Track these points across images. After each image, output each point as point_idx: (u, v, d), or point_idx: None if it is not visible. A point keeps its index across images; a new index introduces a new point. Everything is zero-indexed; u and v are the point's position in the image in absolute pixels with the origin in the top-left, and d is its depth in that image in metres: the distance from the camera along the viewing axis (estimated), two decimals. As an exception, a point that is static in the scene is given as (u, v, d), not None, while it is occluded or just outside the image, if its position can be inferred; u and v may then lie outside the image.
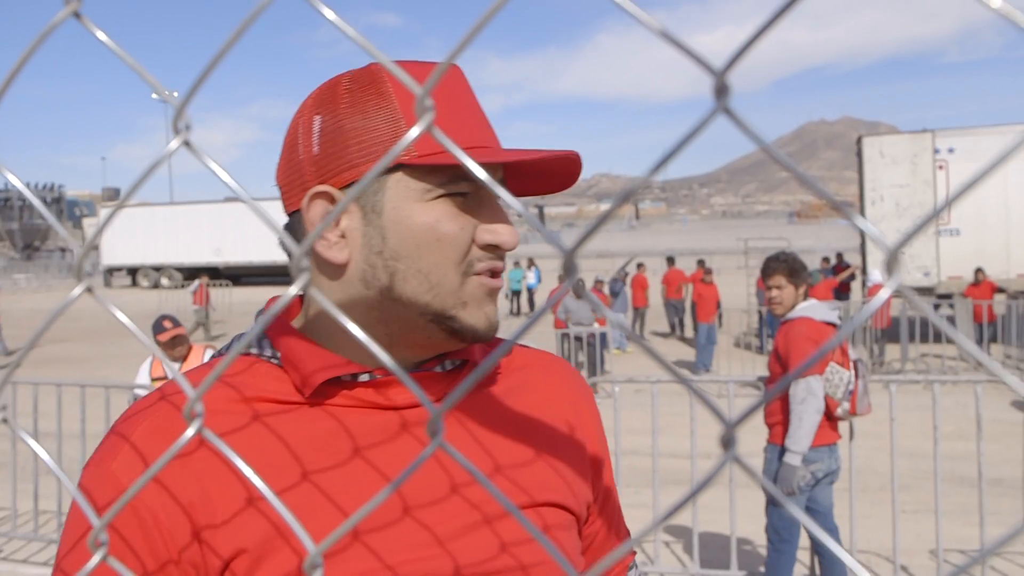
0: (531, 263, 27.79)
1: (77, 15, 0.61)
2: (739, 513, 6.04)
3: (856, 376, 5.05)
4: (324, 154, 1.04)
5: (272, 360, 1.08)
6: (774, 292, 5.26)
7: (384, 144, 1.02)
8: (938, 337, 16.53)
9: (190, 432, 0.60)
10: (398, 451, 1.04)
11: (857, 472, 7.69)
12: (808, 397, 4.95)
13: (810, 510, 5.27)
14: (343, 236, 1.04)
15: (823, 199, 0.37)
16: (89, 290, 0.64)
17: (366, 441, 1.03)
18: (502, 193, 0.49)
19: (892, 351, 16.25)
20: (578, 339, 14.19)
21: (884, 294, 0.36)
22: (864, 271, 18.73)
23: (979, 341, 15.54)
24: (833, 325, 5.13)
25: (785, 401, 5.09)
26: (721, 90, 0.33)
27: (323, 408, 1.04)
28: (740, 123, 0.33)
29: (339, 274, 1.06)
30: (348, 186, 1.03)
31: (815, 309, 5.15)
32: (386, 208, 1.02)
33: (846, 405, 5.02)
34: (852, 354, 5.17)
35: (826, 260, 23.34)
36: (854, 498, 5.73)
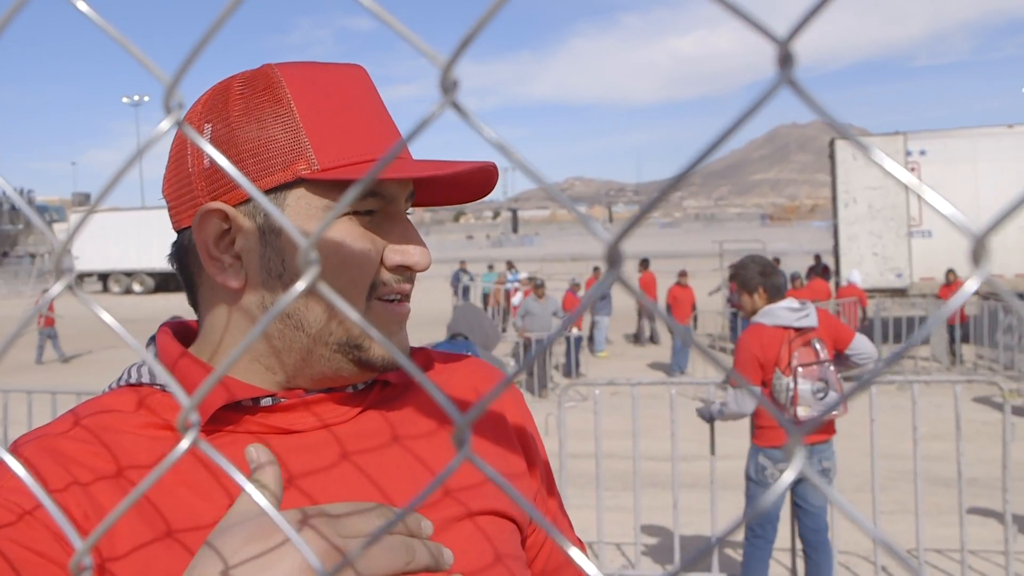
0: (510, 266, 27.76)
1: None
2: (720, 515, 6.04)
3: (796, 381, 5.03)
4: (216, 167, 0.95)
5: (167, 389, 0.98)
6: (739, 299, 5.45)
7: (283, 155, 0.93)
8: (910, 337, 16.60)
9: (185, 444, 0.56)
10: (315, 474, 0.96)
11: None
12: (729, 400, 5.28)
13: (800, 508, 5.34)
14: (238, 258, 0.96)
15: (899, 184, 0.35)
16: (70, 287, 0.62)
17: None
18: (530, 172, 0.46)
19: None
20: (533, 344, 14.10)
21: (972, 286, 0.34)
22: (837, 272, 18.83)
23: (951, 341, 15.65)
24: (791, 328, 5.14)
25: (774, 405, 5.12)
26: (785, 59, 0.31)
27: (219, 436, 0.95)
28: (804, 94, 0.32)
29: (235, 299, 0.98)
30: (244, 203, 0.95)
31: (770, 314, 5.18)
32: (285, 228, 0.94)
33: (791, 411, 5.02)
34: (816, 356, 5.13)
35: (817, 257, 23.43)
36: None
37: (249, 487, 0.59)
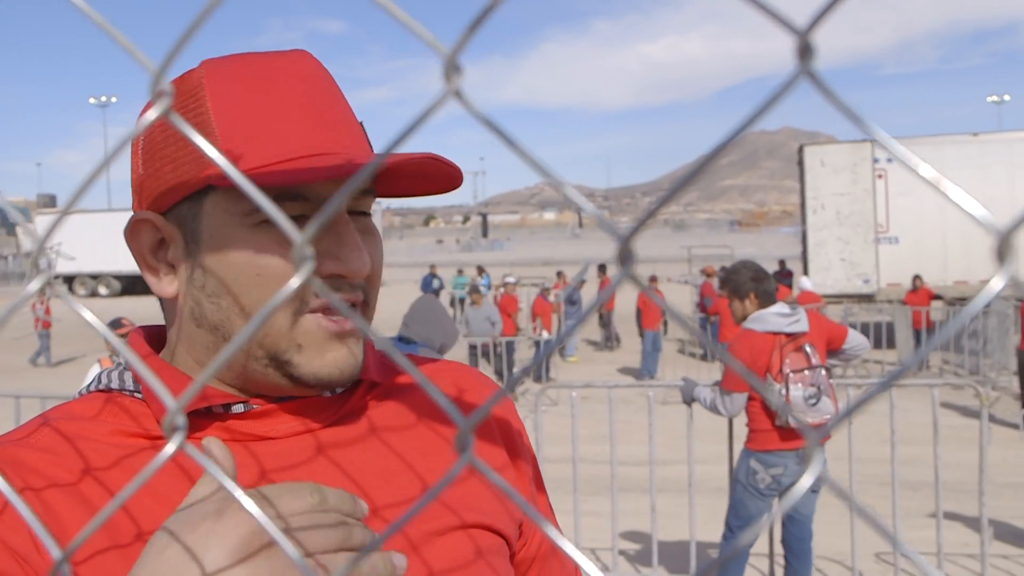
0: (481, 271, 27.76)
1: None
2: (698, 520, 6.05)
3: (787, 388, 5.00)
4: (146, 174, 0.92)
5: (135, 395, 0.95)
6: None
7: (196, 162, 0.88)
8: (878, 343, 16.77)
9: (171, 448, 0.54)
10: (283, 478, 0.91)
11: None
12: (717, 405, 5.19)
13: (788, 516, 5.29)
14: (172, 268, 0.94)
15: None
16: (49, 283, 0.60)
17: (243, 477, 0.90)
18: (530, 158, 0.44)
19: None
20: (476, 348, 14.19)
21: (997, 283, 0.33)
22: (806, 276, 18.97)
23: (916, 347, 15.79)
24: (782, 334, 5.10)
25: (761, 408, 5.13)
26: (804, 51, 0.31)
27: (192, 442, 0.91)
28: (823, 87, 0.31)
29: (175, 308, 0.95)
30: (171, 210, 0.91)
31: (760, 320, 5.14)
32: (203, 237, 0.89)
33: (783, 418, 5.01)
34: (808, 362, 5.10)
35: (782, 263, 23.57)
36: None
37: (229, 484, 0.58)
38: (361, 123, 0.98)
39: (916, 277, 17.24)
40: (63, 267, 38.81)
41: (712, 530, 6.54)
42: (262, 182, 0.83)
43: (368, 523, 0.91)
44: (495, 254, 70.69)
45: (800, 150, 19.16)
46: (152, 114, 0.52)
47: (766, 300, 5.21)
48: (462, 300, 26.50)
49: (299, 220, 0.88)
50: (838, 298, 18.48)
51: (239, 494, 0.58)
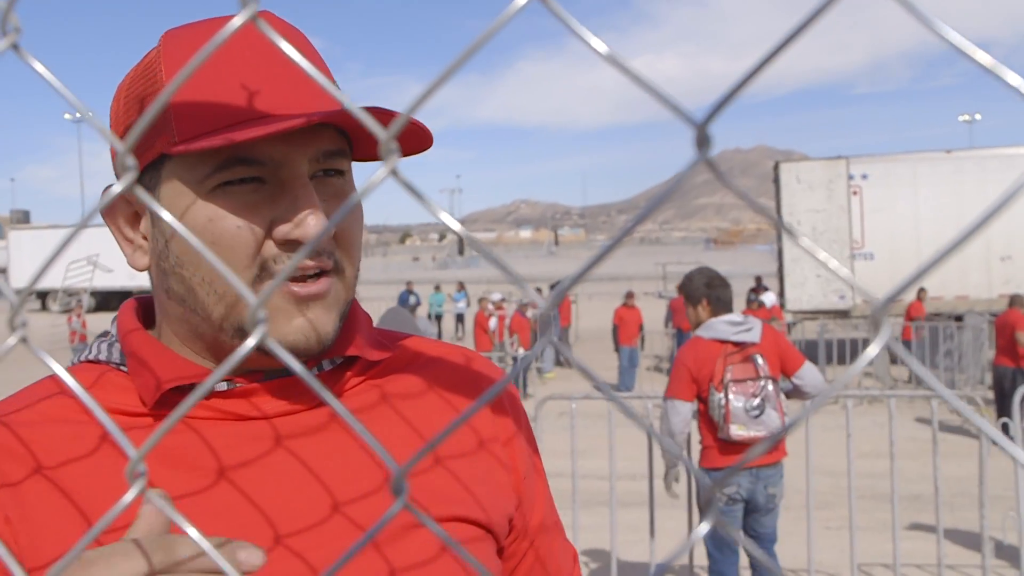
0: (460, 287, 27.74)
1: (16, 47, 0.55)
2: (660, 533, 6.04)
3: (727, 397, 4.87)
4: (113, 149, 0.91)
5: (122, 368, 0.96)
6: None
7: (151, 133, 0.87)
8: (854, 358, 16.86)
9: (130, 495, 0.54)
10: (268, 466, 0.91)
11: (779, 493, 7.80)
12: (665, 417, 5.03)
13: (755, 533, 5.20)
14: (145, 239, 0.94)
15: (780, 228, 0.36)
16: (24, 340, 0.61)
17: (227, 457, 0.90)
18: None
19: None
20: None
21: (873, 351, 0.35)
22: (781, 293, 19.05)
23: (892, 363, 15.90)
24: (729, 342, 4.99)
25: (704, 422, 5.05)
26: (702, 142, 0.32)
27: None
28: (720, 175, 0.33)
29: (150, 281, 0.96)
30: (138, 182, 0.93)
31: (708, 327, 5.06)
32: (163, 206, 0.86)
33: (724, 428, 4.87)
34: (755, 372, 4.97)
35: (758, 279, 23.66)
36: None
37: (194, 532, 0.56)
38: (335, 84, 0.93)
39: (921, 289, 17.29)
40: (37, 282, 38.41)
41: (675, 544, 6.52)
42: (199, 146, 0.82)
43: (336, 519, 0.92)
44: (471, 271, 70.62)
45: (776, 167, 19.26)
46: (117, 188, 0.54)
47: (718, 307, 5.11)
48: (439, 316, 26.48)
49: (251, 183, 0.87)
50: (814, 314, 18.58)
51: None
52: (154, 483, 0.86)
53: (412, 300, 25.75)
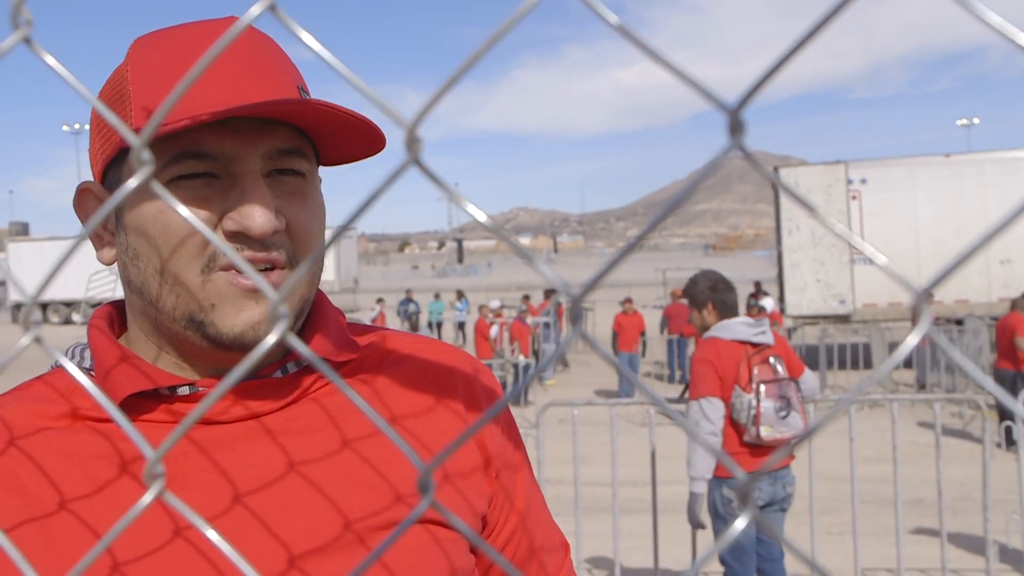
0: (460, 295, 27.75)
1: (27, 41, 0.54)
2: (664, 540, 6.03)
3: (758, 399, 4.79)
4: (91, 149, 0.97)
5: (91, 372, 0.97)
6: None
7: (115, 128, 0.88)
8: (855, 364, 16.86)
9: (148, 497, 0.54)
10: (237, 471, 0.91)
11: (781, 498, 7.78)
12: (700, 420, 4.79)
13: (757, 539, 5.11)
14: (112, 234, 0.96)
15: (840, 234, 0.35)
16: (37, 340, 0.62)
17: (192, 463, 0.90)
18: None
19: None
20: None
21: (913, 340, 0.34)
22: (782, 299, 19.05)
23: (897, 368, 15.87)
24: (749, 343, 4.92)
25: (729, 427, 4.89)
26: (736, 127, 0.32)
27: (141, 424, 0.91)
28: (754, 162, 0.32)
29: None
30: (104, 178, 0.95)
31: (726, 328, 4.97)
32: (124, 201, 0.90)
33: (752, 430, 4.78)
34: (775, 374, 4.91)
35: (757, 284, 23.66)
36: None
37: (214, 535, 0.56)
38: (300, 87, 0.96)
39: (929, 294, 17.26)
40: (49, 295, 38.40)
41: (680, 551, 6.51)
42: (163, 133, 0.84)
43: (361, 493, 0.93)
44: (470, 279, 70.64)
45: (775, 172, 19.27)
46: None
47: (724, 311, 5.05)
48: (439, 324, 26.50)
49: (204, 178, 0.88)
50: (814, 319, 18.58)
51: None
52: (103, 487, 0.88)
53: (412, 308, 25.77)
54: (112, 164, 0.93)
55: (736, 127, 0.31)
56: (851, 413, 5.69)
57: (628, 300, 18.13)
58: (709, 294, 5.08)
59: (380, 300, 26.54)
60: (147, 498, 0.53)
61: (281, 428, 0.95)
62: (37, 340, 0.57)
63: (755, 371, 4.87)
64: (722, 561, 5.16)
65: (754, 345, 4.95)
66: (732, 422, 4.88)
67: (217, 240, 0.54)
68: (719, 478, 4.93)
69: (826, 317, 18.59)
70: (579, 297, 0.36)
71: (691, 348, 16.75)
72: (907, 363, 16.46)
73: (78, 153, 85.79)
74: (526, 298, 23.09)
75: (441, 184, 0.38)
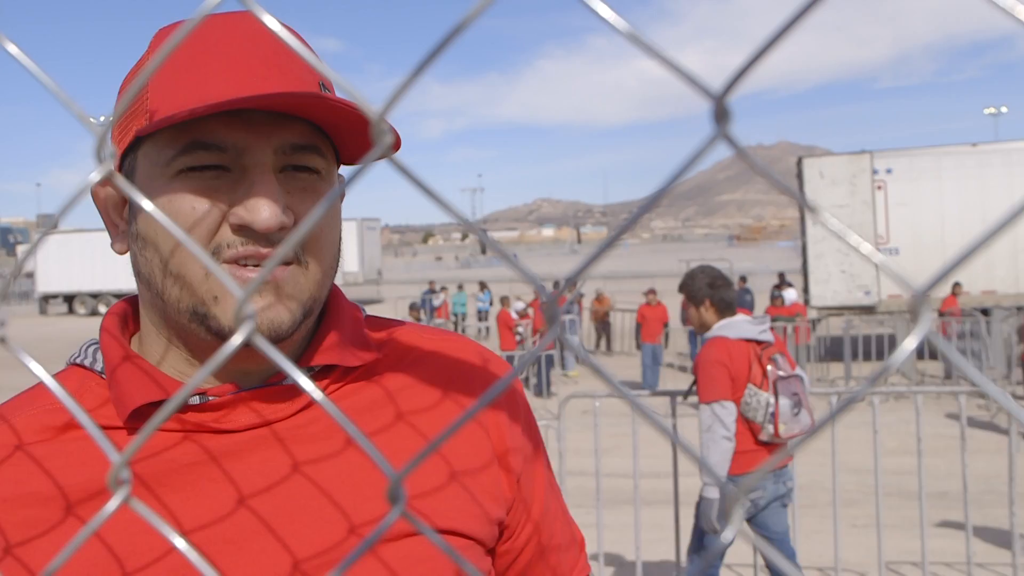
0: (483, 286, 27.77)
1: None
2: (685, 532, 6.00)
3: (776, 396, 4.71)
4: (112, 135, 0.94)
5: (103, 376, 0.96)
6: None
7: (130, 118, 0.90)
8: (880, 355, 16.76)
9: (112, 505, 0.53)
10: (249, 480, 0.90)
11: (807, 488, 7.75)
12: (713, 424, 4.69)
13: (773, 534, 5.01)
14: (127, 224, 0.95)
15: (829, 229, 0.33)
16: (2, 340, 0.61)
17: (205, 472, 0.90)
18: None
19: (836, 369, 16.43)
20: None
21: (911, 343, 0.32)
22: (806, 290, 18.95)
23: (919, 356, 15.80)
24: (755, 341, 4.86)
25: (742, 426, 4.81)
26: (721, 115, 0.30)
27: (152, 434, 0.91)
28: (740, 149, 0.31)
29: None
30: (121, 167, 0.94)
31: (732, 327, 4.89)
32: (138, 189, 0.88)
33: (770, 428, 4.69)
34: (783, 370, 4.84)
35: (781, 275, 23.56)
36: (800, 514, 5.75)
37: (181, 543, 0.55)
38: (323, 83, 0.93)
39: (956, 284, 17.16)
40: (63, 286, 38.78)
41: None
42: (157, 127, 0.84)
43: (371, 504, 0.92)
44: (494, 270, 70.70)
45: (799, 162, 19.16)
46: (95, 176, 0.53)
47: (723, 308, 4.96)
48: (463, 315, 26.53)
49: (215, 170, 0.87)
50: (839, 310, 18.47)
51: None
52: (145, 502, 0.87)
53: (435, 299, 25.81)
54: (127, 152, 0.92)
55: (721, 114, 0.29)
56: (875, 405, 5.64)
57: (651, 291, 18.08)
58: (707, 291, 4.99)
59: (443, 289, 26.66)
60: (111, 506, 0.52)
61: (291, 435, 0.93)
62: (2, 340, 0.56)
63: (769, 369, 4.80)
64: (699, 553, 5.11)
65: (759, 343, 4.89)
66: (745, 421, 4.81)
67: (189, 241, 0.52)
68: (731, 476, 4.83)
69: (851, 308, 18.47)
70: (555, 298, 0.34)
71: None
72: (933, 354, 16.35)
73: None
74: (556, 284, 23.07)
75: (414, 178, 0.37)
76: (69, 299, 39.68)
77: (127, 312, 1.03)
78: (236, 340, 0.45)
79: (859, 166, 18.52)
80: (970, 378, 0.29)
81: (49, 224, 0.56)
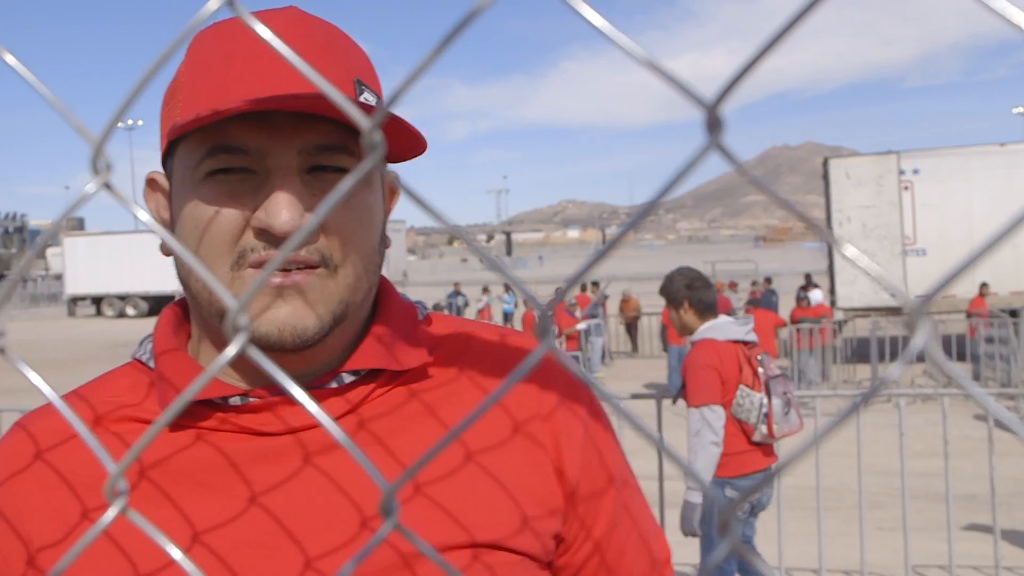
0: (508, 288, 27.74)
1: None
2: (670, 533, 5.96)
3: (769, 396, 4.68)
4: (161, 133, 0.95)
5: (150, 366, 0.97)
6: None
7: (169, 118, 0.90)
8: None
9: (110, 515, 0.53)
10: (285, 483, 0.89)
11: (833, 490, 7.70)
12: (702, 428, 4.62)
13: (747, 535, 5.02)
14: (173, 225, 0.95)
15: (818, 234, 0.33)
16: (1, 350, 0.62)
17: (243, 474, 0.89)
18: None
19: (863, 371, 16.32)
20: None
21: (915, 348, 0.32)
22: (832, 291, 18.83)
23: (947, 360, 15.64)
24: (742, 343, 4.81)
25: (734, 427, 4.75)
26: (713, 124, 0.30)
27: (184, 433, 0.91)
28: (733, 159, 0.30)
29: None
30: (165, 168, 0.95)
31: (718, 329, 4.83)
32: (173, 191, 0.92)
33: (763, 429, 4.66)
34: (770, 371, 4.81)
35: (808, 276, 23.42)
36: (826, 517, 5.71)
37: (176, 553, 0.54)
38: (359, 81, 0.92)
39: (984, 284, 17.04)
40: (91, 288, 39.02)
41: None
42: (178, 132, 0.84)
43: (416, 513, 0.90)
44: (519, 272, 70.64)
45: (825, 163, 19.06)
46: (91, 187, 0.53)
47: (702, 309, 4.92)
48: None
49: (241, 173, 0.86)
50: (865, 311, 18.34)
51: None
52: (171, 501, 0.89)
53: (460, 301, 25.83)
54: (167, 154, 0.93)
55: (714, 124, 0.29)
56: (901, 407, 5.61)
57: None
58: (686, 292, 4.95)
59: (485, 290, 26.63)
60: (109, 516, 0.52)
61: (323, 443, 0.91)
62: (1, 351, 0.57)
63: (760, 370, 4.76)
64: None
65: (745, 343, 4.85)
66: (737, 422, 4.75)
67: (186, 253, 0.53)
68: (724, 478, 4.76)
69: (877, 309, 18.33)
70: (547, 310, 0.35)
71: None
72: (961, 356, 16.21)
73: (131, 148, 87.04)
74: (583, 288, 22.98)
75: (410, 193, 0.37)
76: (97, 301, 39.92)
77: (180, 313, 1.04)
78: (230, 351, 0.45)
79: (886, 166, 18.39)
80: (964, 388, 0.29)
81: (48, 235, 0.56)
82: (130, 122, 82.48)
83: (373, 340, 0.96)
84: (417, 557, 0.88)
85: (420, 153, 0.93)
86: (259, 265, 0.86)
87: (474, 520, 0.91)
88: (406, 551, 0.88)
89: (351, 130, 0.89)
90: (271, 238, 0.85)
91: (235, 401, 0.91)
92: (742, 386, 4.70)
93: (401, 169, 1.01)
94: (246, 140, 0.85)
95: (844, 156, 19.45)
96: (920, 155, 18.52)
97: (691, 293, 4.94)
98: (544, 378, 1.02)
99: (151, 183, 0.97)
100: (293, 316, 0.86)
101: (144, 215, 0.51)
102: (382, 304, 1.01)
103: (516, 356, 1.03)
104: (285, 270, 0.86)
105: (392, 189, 1.03)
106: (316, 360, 0.92)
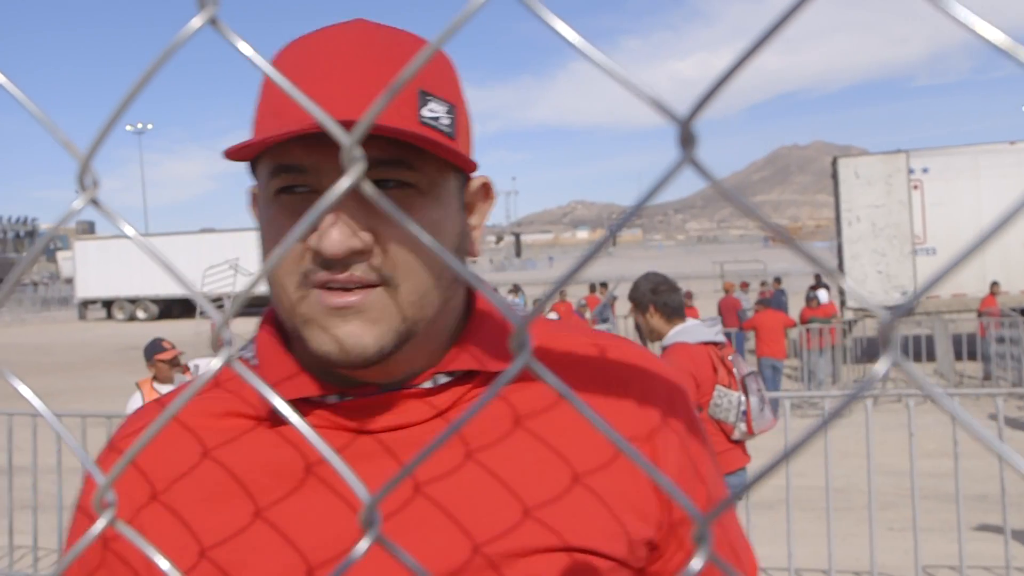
0: (517, 290, 27.74)
1: (214, 22, 0.48)
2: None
3: (747, 394, 4.72)
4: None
5: (252, 365, 0.99)
6: None
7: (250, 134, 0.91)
8: (917, 355, 16.58)
9: (100, 525, 0.53)
10: (368, 479, 0.86)
11: (843, 491, 7.68)
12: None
13: None
14: None
15: (789, 244, 0.33)
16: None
17: (328, 468, 0.90)
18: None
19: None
20: None
21: (882, 368, 0.32)
22: (841, 291, 18.78)
23: (957, 357, 15.61)
24: (712, 344, 4.83)
25: (712, 427, 4.79)
26: (687, 139, 0.30)
27: (281, 428, 0.93)
28: (707, 174, 0.31)
29: None
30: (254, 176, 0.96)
31: (689, 332, 4.86)
32: (259, 204, 0.93)
33: (742, 427, 4.70)
34: (743, 369, 4.87)
35: (817, 277, 23.38)
36: (836, 517, 5.69)
37: (164, 564, 0.55)
38: (424, 91, 0.89)
39: (994, 283, 16.99)
40: (101, 291, 39.11)
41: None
42: (233, 156, 0.86)
43: (514, 521, 0.90)
44: (528, 273, 70.65)
45: (834, 162, 19.01)
46: (78, 203, 0.54)
47: (668, 313, 4.93)
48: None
49: (305, 192, 0.86)
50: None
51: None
52: (251, 492, 0.91)
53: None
54: (254, 171, 0.94)
55: (687, 139, 0.29)
56: (911, 407, 5.59)
57: (687, 294, 18.01)
58: (651, 296, 4.96)
59: (516, 289, 26.47)
60: (98, 527, 0.52)
61: (422, 441, 0.92)
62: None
63: (735, 369, 4.80)
64: None
65: (716, 344, 4.87)
66: (715, 422, 4.78)
67: (181, 275, 0.53)
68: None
69: (888, 309, 18.25)
70: (526, 322, 0.35)
71: (750, 342, 16.62)
72: (972, 356, 16.15)
73: (141, 152, 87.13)
74: (592, 288, 22.96)
75: (389, 207, 0.37)
76: (108, 304, 40.02)
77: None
78: (215, 364, 0.45)
79: (895, 165, 18.34)
80: (932, 396, 0.29)
81: (42, 243, 0.57)
82: (139, 125, 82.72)
83: (465, 344, 0.97)
84: (506, 559, 0.88)
85: (472, 169, 0.94)
86: (322, 286, 0.85)
87: (569, 525, 0.91)
88: (491, 552, 0.88)
89: (411, 145, 0.86)
90: (325, 260, 0.84)
91: (332, 399, 0.94)
92: (719, 386, 4.72)
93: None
94: (303, 160, 0.85)
95: (853, 155, 19.39)
96: (930, 154, 18.45)
97: (656, 297, 4.95)
98: (643, 393, 1.01)
99: (252, 195, 0.98)
100: (351, 336, 0.86)
101: (131, 230, 0.51)
102: (474, 308, 1.01)
103: (612, 367, 1.02)
104: (345, 289, 0.85)
105: (487, 192, 1.03)
106: (395, 371, 0.93)
